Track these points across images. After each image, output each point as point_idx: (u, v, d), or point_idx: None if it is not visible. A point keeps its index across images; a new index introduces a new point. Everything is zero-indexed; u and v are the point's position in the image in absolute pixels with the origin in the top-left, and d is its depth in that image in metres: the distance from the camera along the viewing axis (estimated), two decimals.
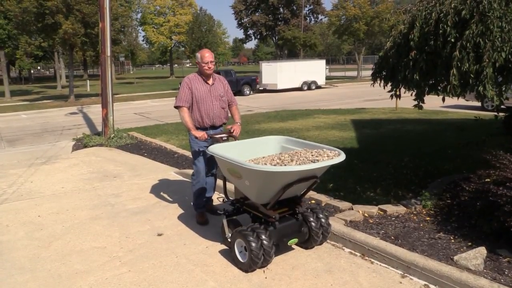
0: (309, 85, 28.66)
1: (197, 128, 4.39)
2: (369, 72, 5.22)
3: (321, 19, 54.19)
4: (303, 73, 28.48)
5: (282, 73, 27.33)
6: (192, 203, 4.85)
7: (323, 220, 3.80)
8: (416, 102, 4.48)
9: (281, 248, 3.74)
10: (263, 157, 3.75)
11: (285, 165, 3.40)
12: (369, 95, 20.64)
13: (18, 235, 4.46)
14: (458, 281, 3.03)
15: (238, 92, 24.34)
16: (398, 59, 4.36)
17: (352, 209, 4.52)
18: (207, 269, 3.57)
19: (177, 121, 12.36)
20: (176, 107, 4.43)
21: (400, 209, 4.44)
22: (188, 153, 7.57)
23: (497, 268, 3.22)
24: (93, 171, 7.19)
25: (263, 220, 3.61)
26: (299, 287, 3.25)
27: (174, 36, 48.75)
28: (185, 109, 4.37)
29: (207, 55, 4.36)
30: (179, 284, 3.35)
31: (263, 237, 3.39)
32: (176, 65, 68.91)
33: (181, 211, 5.05)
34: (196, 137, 4.28)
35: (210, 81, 4.47)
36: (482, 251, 3.34)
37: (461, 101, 9.09)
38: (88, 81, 34.69)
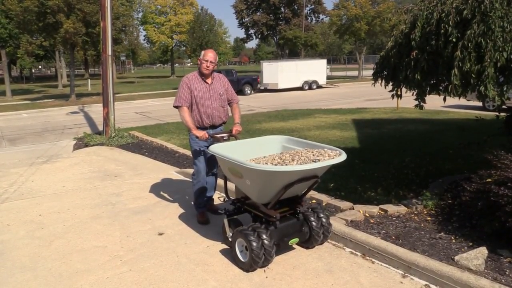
0: (310, 85, 28.64)
1: (197, 128, 4.39)
2: (370, 72, 5.23)
3: (322, 19, 54.29)
4: (304, 73, 28.46)
5: (283, 73, 27.32)
6: (193, 203, 4.85)
7: (324, 219, 3.80)
8: (417, 102, 4.48)
9: (282, 247, 3.73)
10: (264, 157, 3.75)
11: (286, 164, 3.40)
12: (370, 95, 20.63)
13: (19, 234, 4.47)
14: (459, 281, 3.03)
15: (239, 91, 24.33)
16: (400, 59, 4.36)
17: (353, 208, 4.51)
18: (208, 269, 3.57)
19: (178, 121, 12.36)
20: (175, 106, 4.43)
21: (401, 209, 4.44)
22: (189, 153, 7.56)
23: (498, 268, 3.22)
24: (94, 170, 7.19)
25: (264, 219, 3.61)
26: (300, 287, 3.25)
27: (175, 35, 48.74)
28: (185, 109, 4.37)
29: (209, 54, 4.35)
30: (180, 284, 3.35)
31: (264, 236, 3.39)
32: (177, 64, 68.94)
33: (182, 210, 5.06)
34: (197, 137, 4.28)
35: (209, 80, 4.47)
36: (483, 251, 3.34)
37: (463, 101, 9.10)
38: (89, 80, 34.76)
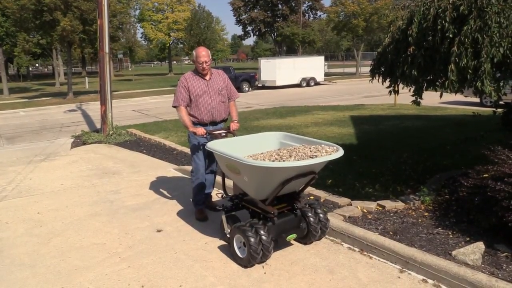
0: (308, 82, 28.65)
1: (197, 125, 4.40)
2: (368, 69, 5.23)
3: (320, 16, 54.15)
4: (302, 70, 28.46)
5: (281, 70, 27.31)
6: (191, 200, 4.86)
7: (321, 215, 3.81)
8: (414, 98, 4.49)
9: (280, 243, 3.75)
10: (262, 153, 3.75)
11: (283, 160, 3.41)
12: (368, 92, 20.63)
13: (17, 232, 4.47)
14: (456, 275, 3.04)
15: (237, 88, 24.08)
16: (397, 55, 4.37)
17: (351, 204, 4.53)
18: (206, 265, 3.59)
19: (176, 118, 12.35)
20: (174, 106, 4.46)
21: (399, 205, 4.46)
22: (187, 150, 7.56)
23: (495, 263, 3.24)
24: (92, 168, 7.19)
25: (261, 215, 3.62)
26: (298, 282, 3.26)
27: (173, 33, 48.59)
28: (182, 108, 4.39)
29: (203, 53, 4.33)
30: (178, 280, 3.36)
31: (262, 232, 3.40)
32: (174, 62, 68.78)
33: (180, 207, 5.06)
34: (194, 133, 4.29)
35: (207, 77, 4.47)
36: (480, 246, 3.36)
37: (460, 97, 9.12)
38: (86, 78, 34.59)
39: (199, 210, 4.67)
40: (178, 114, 4.44)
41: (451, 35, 3.74)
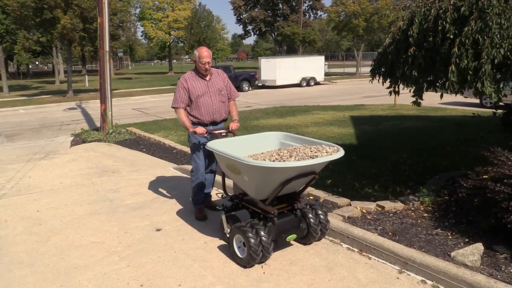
0: (308, 81, 28.64)
1: (197, 125, 4.39)
2: (368, 69, 5.23)
3: (320, 15, 54.11)
4: (302, 69, 28.45)
5: (281, 69, 27.30)
6: (191, 199, 4.86)
7: (321, 216, 3.81)
8: (414, 99, 4.49)
9: (280, 243, 3.75)
10: (262, 153, 3.75)
11: (284, 161, 3.40)
12: (368, 92, 20.63)
13: (17, 230, 4.47)
14: (455, 277, 3.04)
15: (236, 88, 24.07)
16: (397, 55, 4.36)
17: (350, 205, 4.53)
18: (205, 264, 3.59)
19: (175, 117, 12.35)
20: (173, 107, 4.46)
21: (398, 206, 4.46)
22: (187, 149, 7.56)
23: (494, 264, 3.24)
24: (91, 166, 7.18)
25: (261, 216, 3.62)
26: (297, 283, 3.26)
27: (173, 31, 48.50)
28: (181, 110, 4.39)
29: (205, 54, 4.32)
30: (177, 279, 3.36)
31: (262, 233, 3.40)
32: (174, 60, 68.76)
33: (179, 206, 5.06)
34: (195, 132, 4.28)
35: (208, 77, 4.47)
36: (479, 247, 3.36)
37: (460, 98, 9.11)
38: (86, 76, 34.51)
39: (199, 209, 4.67)
40: (177, 116, 4.44)
41: (451, 36, 3.74)
